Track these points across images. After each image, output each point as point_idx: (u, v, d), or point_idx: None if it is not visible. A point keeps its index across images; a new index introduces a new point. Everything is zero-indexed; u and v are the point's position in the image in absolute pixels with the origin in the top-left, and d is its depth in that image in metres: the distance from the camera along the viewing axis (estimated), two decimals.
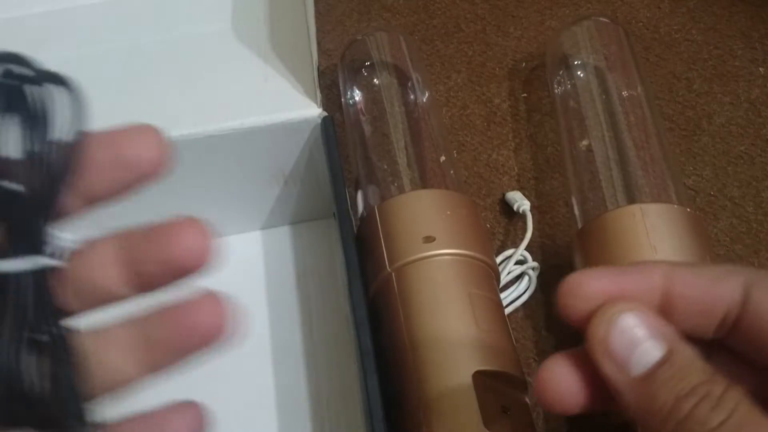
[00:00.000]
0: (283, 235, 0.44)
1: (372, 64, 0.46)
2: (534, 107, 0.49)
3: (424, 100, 0.44)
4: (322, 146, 0.39)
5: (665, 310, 0.22)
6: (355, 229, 0.38)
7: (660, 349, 0.21)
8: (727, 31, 0.51)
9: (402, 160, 0.41)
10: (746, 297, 0.21)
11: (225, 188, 0.41)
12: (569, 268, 0.39)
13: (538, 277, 0.41)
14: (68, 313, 0.20)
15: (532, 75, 0.50)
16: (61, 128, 0.20)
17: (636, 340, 0.21)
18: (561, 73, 0.46)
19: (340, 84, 0.46)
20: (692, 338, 0.22)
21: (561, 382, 0.23)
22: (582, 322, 0.22)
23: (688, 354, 0.21)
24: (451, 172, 0.41)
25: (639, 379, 0.21)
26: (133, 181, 0.21)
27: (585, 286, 0.22)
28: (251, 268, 0.43)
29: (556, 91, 0.46)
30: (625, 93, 0.43)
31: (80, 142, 0.20)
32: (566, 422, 0.37)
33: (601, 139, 0.41)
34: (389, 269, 0.35)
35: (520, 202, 0.43)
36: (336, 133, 0.39)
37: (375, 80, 0.45)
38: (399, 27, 0.53)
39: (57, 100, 0.20)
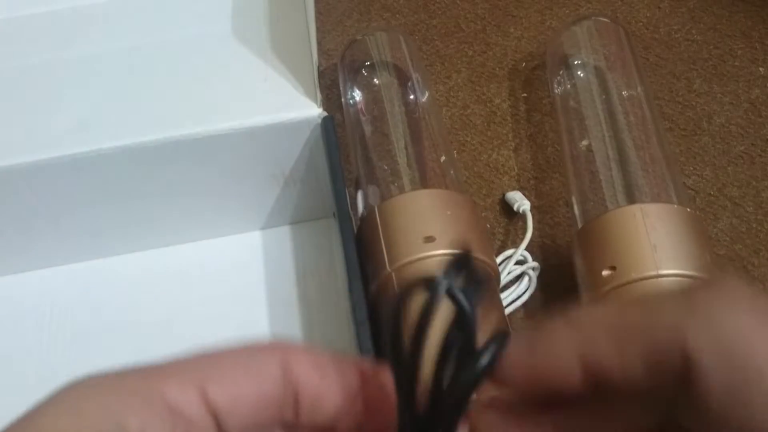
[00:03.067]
0: (283, 235, 0.44)
1: (372, 64, 0.46)
2: (534, 107, 0.49)
3: (424, 100, 0.44)
4: (322, 146, 0.39)
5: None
6: (355, 229, 0.38)
7: None
8: (727, 31, 0.51)
9: (402, 160, 0.41)
10: (688, 381, 0.17)
11: (225, 188, 0.41)
12: (569, 268, 0.39)
13: (538, 277, 0.41)
14: None
15: (532, 75, 0.50)
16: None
17: None
18: (561, 73, 0.46)
19: (340, 84, 0.46)
20: None
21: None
22: None
23: None
24: (451, 172, 0.41)
25: None
26: None
27: None
28: (251, 268, 0.43)
29: (556, 91, 0.46)
30: (625, 93, 0.43)
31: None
32: None
33: (601, 139, 0.41)
34: (389, 269, 0.35)
35: (520, 202, 0.43)
36: (336, 133, 0.39)
37: (375, 80, 0.45)
38: (399, 27, 0.53)
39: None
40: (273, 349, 0.21)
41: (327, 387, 0.21)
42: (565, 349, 0.19)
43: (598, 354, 0.18)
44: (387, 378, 0.21)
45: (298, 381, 0.20)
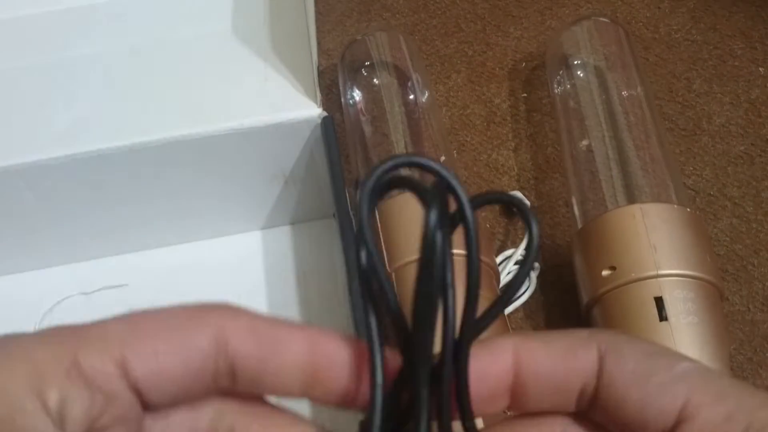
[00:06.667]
0: (283, 235, 0.44)
1: (372, 64, 0.46)
2: (534, 107, 0.49)
3: (424, 100, 0.44)
4: (322, 146, 0.39)
5: (517, 389, 0.20)
6: (355, 229, 0.38)
7: None
8: (727, 31, 0.51)
9: None
10: (600, 368, 0.19)
11: (225, 188, 0.41)
12: (569, 268, 0.39)
13: (538, 277, 0.41)
14: None
15: (532, 75, 0.50)
16: None
17: None
18: (561, 73, 0.46)
19: (340, 84, 0.46)
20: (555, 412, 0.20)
21: None
22: None
23: None
24: None
25: None
26: None
27: None
28: (251, 268, 0.43)
29: (556, 91, 0.46)
30: (625, 93, 0.43)
31: None
32: None
33: (601, 139, 0.41)
34: (389, 269, 0.35)
35: None
36: (336, 133, 0.39)
37: (375, 80, 0.45)
38: (399, 27, 0.53)
39: None
40: (205, 318, 0.19)
41: (267, 361, 0.19)
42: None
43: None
44: (338, 347, 0.20)
45: (235, 354, 0.19)
